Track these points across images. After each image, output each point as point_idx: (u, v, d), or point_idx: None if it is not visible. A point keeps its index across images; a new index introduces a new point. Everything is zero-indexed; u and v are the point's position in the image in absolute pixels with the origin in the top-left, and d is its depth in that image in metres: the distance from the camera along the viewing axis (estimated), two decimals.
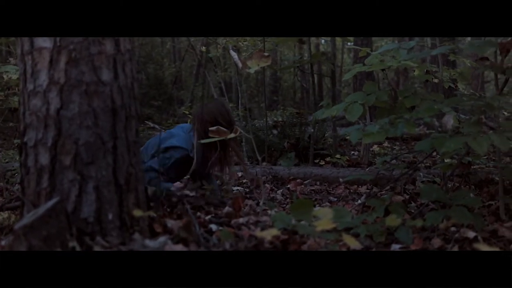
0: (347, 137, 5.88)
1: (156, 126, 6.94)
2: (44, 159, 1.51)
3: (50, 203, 1.45)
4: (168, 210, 2.06)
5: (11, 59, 3.48)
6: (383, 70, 2.54)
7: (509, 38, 2.21)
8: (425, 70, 3.12)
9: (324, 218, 1.45)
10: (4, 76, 3.02)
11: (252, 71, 2.09)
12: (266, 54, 2.15)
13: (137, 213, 1.54)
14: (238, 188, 3.65)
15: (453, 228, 1.95)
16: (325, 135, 5.49)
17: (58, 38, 1.51)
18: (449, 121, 1.92)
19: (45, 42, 1.53)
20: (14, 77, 2.99)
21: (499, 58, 2.21)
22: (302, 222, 1.55)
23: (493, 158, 3.60)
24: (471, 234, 1.85)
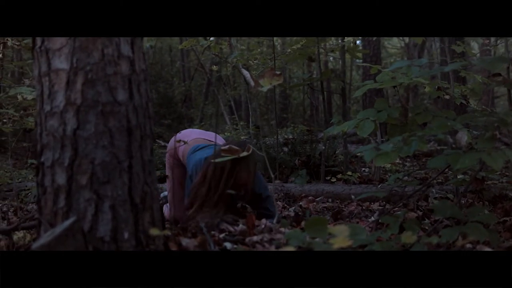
0: (358, 154, 5.88)
1: (167, 145, 7.01)
2: (61, 179, 1.53)
3: (67, 223, 1.46)
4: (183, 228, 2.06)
5: (26, 80, 3.52)
6: (394, 87, 2.55)
7: None
8: (436, 87, 3.12)
9: (339, 235, 1.45)
10: (19, 97, 3.06)
11: (264, 89, 2.09)
12: (277, 72, 2.16)
13: (153, 231, 1.55)
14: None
15: (468, 245, 1.94)
16: (336, 152, 5.49)
17: (75, 60, 1.54)
18: (463, 137, 1.91)
19: (62, 64, 1.55)
20: (30, 97, 3.02)
21: (511, 73, 2.21)
22: (317, 240, 1.55)
23: (506, 173, 3.59)
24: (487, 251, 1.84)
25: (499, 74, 2.21)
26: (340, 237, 1.42)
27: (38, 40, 1.61)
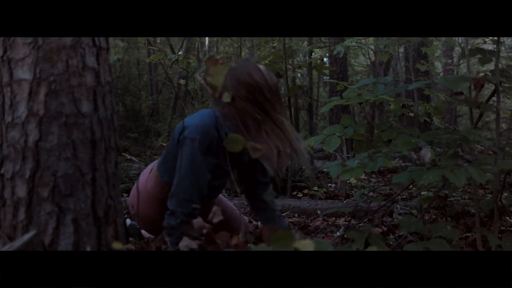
0: (325, 170, 5.91)
1: (133, 158, 6.89)
2: (21, 191, 1.49)
3: (27, 236, 1.42)
4: (146, 242, 2.03)
5: None
6: (360, 103, 2.58)
7: (482, 74, 2.27)
8: (401, 104, 3.17)
9: (305, 249, 1.44)
10: None
11: (226, 100, 1.98)
12: (217, 57, 1.96)
13: (116, 246, 1.52)
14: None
15: None
16: (303, 167, 5.51)
17: (38, 70, 1.50)
18: (427, 154, 1.95)
19: (24, 74, 1.52)
20: None
21: (473, 92, 2.26)
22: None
23: (468, 190, 3.66)
24: None
25: (461, 93, 2.26)
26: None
27: (0, 50, 1.58)
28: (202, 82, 1.86)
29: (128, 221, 2.75)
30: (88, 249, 1.50)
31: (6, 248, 1.38)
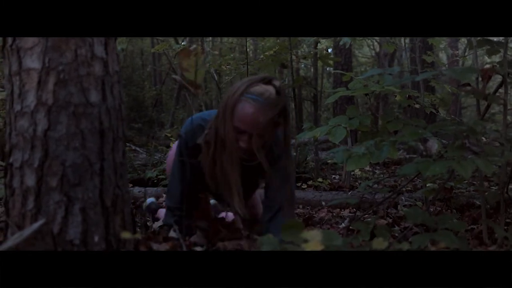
0: (329, 161, 5.92)
1: (137, 149, 6.91)
2: (30, 180, 1.49)
3: (36, 225, 1.43)
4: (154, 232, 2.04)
5: None
6: (366, 95, 2.57)
7: (488, 65, 2.26)
8: (407, 96, 3.16)
9: (313, 240, 1.45)
10: None
11: (199, 80, 1.91)
12: (192, 47, 1.87)
13: (124, 235, 1.52)
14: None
15: None
16: (307, 158, 5.52)
17: (47, 59, 1.50)
18: (434, 145, 1.95)
19: (33, 63, 1.52)
20: None
21: (480, 84, 2.26)
22: (290, 245, 1.55)
23: (473, 182, 3.66)
24: None
25: (469, 84, 2.25)
26: (313, 242, 1.42)
27: (9, 39, 1.57)
28: (180, 82, 1.82)
29: (149, 200, 2.81)
30: (96, 238, 1.51)
31: (16, 237, 1.39)
